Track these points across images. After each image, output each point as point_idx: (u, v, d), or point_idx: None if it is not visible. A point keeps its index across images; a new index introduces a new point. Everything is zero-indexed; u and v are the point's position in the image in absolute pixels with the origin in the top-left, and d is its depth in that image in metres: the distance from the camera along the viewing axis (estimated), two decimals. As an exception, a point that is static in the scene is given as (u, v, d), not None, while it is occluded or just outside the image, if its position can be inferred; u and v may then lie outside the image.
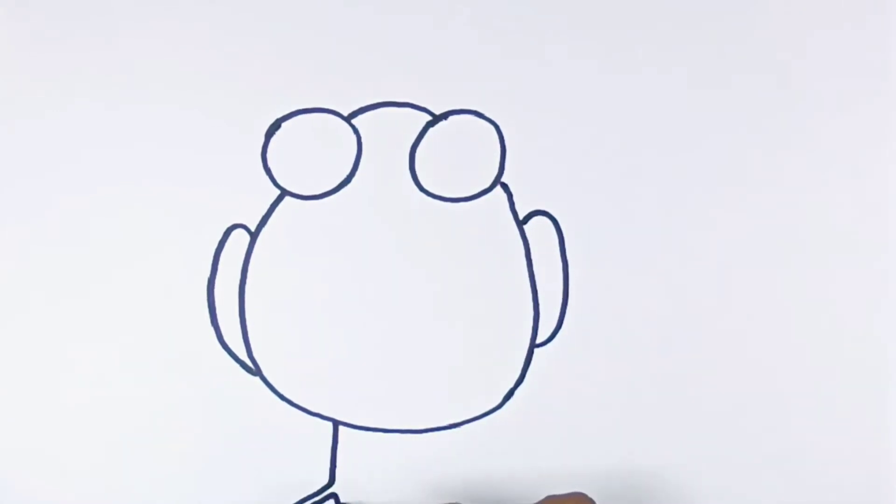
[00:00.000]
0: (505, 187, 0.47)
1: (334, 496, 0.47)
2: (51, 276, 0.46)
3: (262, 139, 0.46)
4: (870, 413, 0.49)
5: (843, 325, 0.49)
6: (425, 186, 0.47)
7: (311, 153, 0.46)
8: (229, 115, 0.46)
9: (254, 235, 0.46)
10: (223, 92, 0.46)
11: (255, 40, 0.46)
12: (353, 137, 0.46)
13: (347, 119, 0.46)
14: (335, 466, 0.47)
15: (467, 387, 0.47)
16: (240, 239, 0.46)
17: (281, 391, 0.47)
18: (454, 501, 0.42)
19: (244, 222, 0.46)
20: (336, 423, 0.47)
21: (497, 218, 0.47)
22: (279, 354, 0.47)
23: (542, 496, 0.43)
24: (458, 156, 0.47)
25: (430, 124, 0.47)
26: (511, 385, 0.48)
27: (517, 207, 0.47)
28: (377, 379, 0.47)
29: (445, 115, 0.47)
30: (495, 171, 0.47)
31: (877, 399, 0.49)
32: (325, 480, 0.47)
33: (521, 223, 0.47)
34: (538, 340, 0.47)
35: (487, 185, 0.47)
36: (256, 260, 0.46)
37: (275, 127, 0.46)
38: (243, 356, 0.46)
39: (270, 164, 0.46)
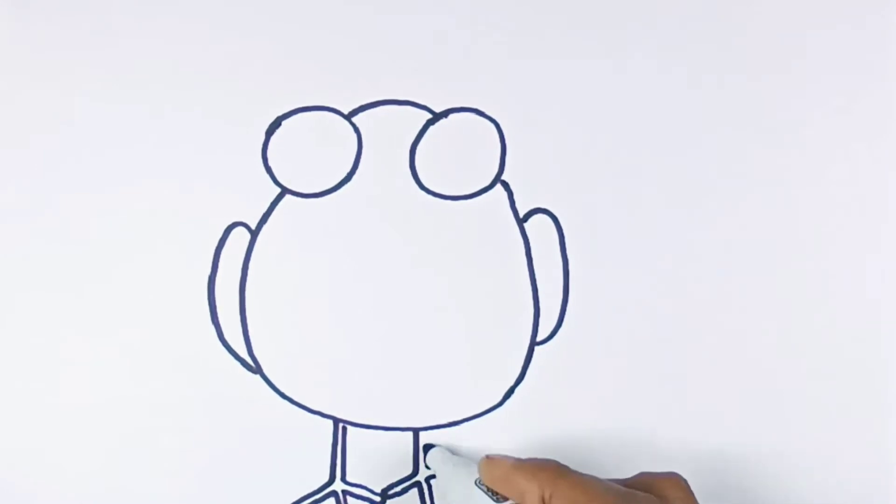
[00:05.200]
0: (505, 185, 0.47)
1: (334, 494, 0.47)
2: (50, 274, 0.46)
3: (263, 137, 0.46)
4: (869, 412, 0.49)
5: (844, 322, 0.49)
6: (425, 184, 0.47)
7: (312, 151, 0.46)
8: (229, 113, 0.46)
9: (254, 233, 0.46)
10: (223, 90, 0.46)
11: (255, 39, 0.46)
12: (354, 135, 0.46)
13: (348, 117, 0.46)
14: (335, 464, 0.47)
15: (467, 385, 0.47)
16: (240, 237, 0.46)
17: (281, 389, 0.47)
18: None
19: (244, 220, 0.46)
20: (336, 421, 0.47)
21: (497, 216, 0.47)
22: (279, 352, 0.47)
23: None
24: (459, 154, 0.47)
25: (430, 122, 0.47)
26: (511, 383, 0.48)
27: (517, 205, 0.47)
28: (377, 377, 0.47)
29: (446, 113, 0.47)
30: (496, 169, 0.47)
31: (876, 398, 0.49)
32: (326, 478, 0.47)
33: (521, 221, 0.47)
34: (538, 338, 0.47)
35: (488, 183, 0.47)
36: (257, 258, 0.46)
37: (275, 125, 0.46)
38: (244, 354, 0.46)
39: (271, 162, 0.46)
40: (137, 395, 0.46)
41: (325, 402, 0.47)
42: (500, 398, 0.48)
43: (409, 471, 0.48)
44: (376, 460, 0.47)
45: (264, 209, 0.46)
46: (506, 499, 0.42)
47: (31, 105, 0.46)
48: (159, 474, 0.46)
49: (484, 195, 0.47)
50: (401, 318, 0.47)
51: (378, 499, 0.48)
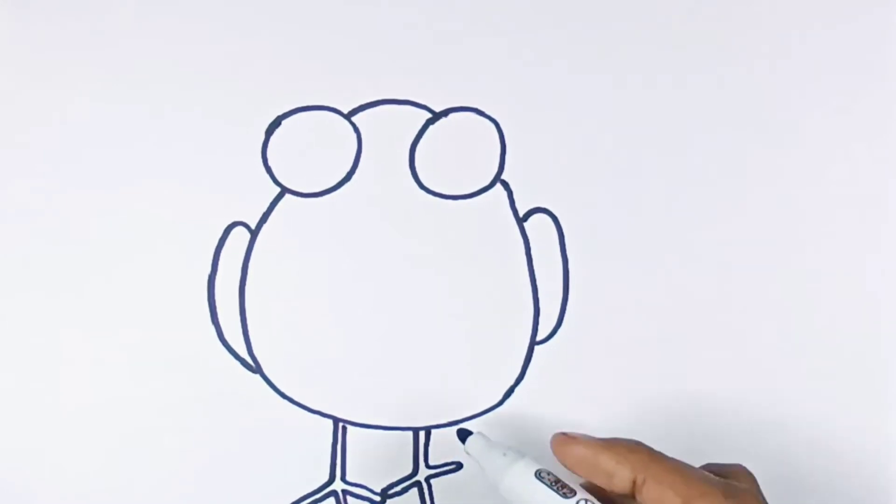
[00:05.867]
0: (505, 185, 0.47)
1: (334, 494, 0.47)
2: (50, 274, 0.45)
3: (263, 137, 0.46)
4: (869, 412, 0.49)
5: (844, 322, 0.49)
6: (425, 184, 0.47)
7: (311, 151, 0.46)
8: (229, 112, 0.46)
9: (254, 233, 0.46)
10: (223, 90, 0.46)
11: (255, 38, 0.46)
12: (353, 135, 0.46)
13: (347, 116, 0.46)
14: (335, 464, 0.47)
15: (467, 384, 0.47)
16: (240, 236, 0.46)
17: (281, 389, 0.47)
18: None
19: (244, 220, 0.46)
20: (336, 421, 0.47)
21: (497, 215, 0.47)
22: (279, 352, 0.47)
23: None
24: (459, 153, 0.47)
25: (430, 122, 0.47)
26: (511, 383, 0.48)
27: (517, 205, 0.47)
28: (377, 376, 0.47)
29: (445, 113, 0.47)
30: (495, 169, 0.47)
31: (877, 398, 0.49)
32: (326, 478, 0.47)
33: (521, 220, 0.47)
34: (538, 338, 0.47)
35: (487, 182, 0.47)
36: (257, 258, 0.46)
37: (275, 124, 0.46)
38: (244, 354, 0.46)
39: (270, 161, 0.46)
40: (137, 395, 0.46)
41: (325, 402, 0.47)
42: (499, 398, 0.48)
43: (409, 470, 0.48)
44: (376, 460, 0.47)
45: (264, 209, 0.46)
46: (573, 493, 0.39)
47: (31, 105, 0.46)
48: (159, 474, 0.46)
49: (484, 195, 0.47)
50: (401, 318, 0.47)
51: (378, 498, 0.48)
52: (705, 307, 0.48)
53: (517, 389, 0.48)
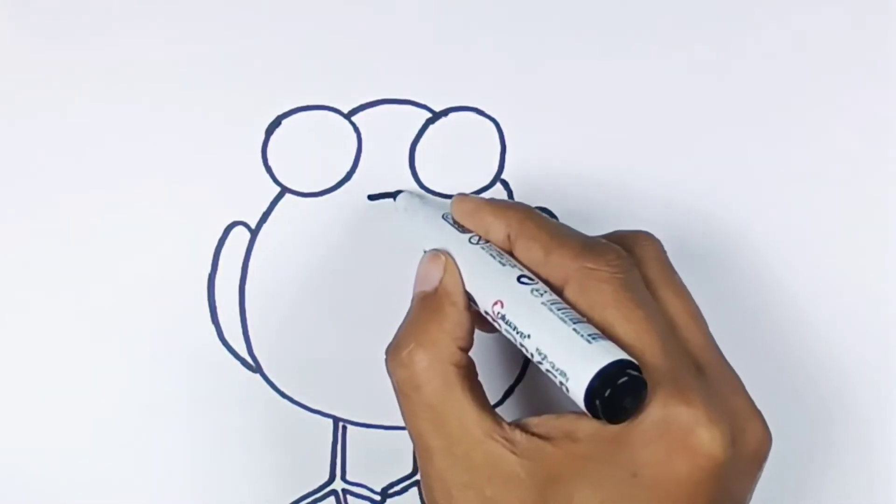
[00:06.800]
0: (505, 184, 0.47)
1: (334, 493, 0.47)
2: (49, 274, 0.45)
3: (263, 136, 0.46)
4: (869, 412, 0.49)
5: (845, 322, 0.49)
6: (425, 183, 0.47)
7: (311, 150, 0.46)
8: (229, 112, 0.46)
9: (254, 233, 0.46)
10: (223, 89, 0.46)
11: (255, 37, 0.46)
12: (353, 135, 0.46)
13: (347, 116, 0.46)
14: (335, 463, 0.47)
15: (467, 384, 0.47)
16: (240, 236, 0.46)
17: (281, 388, 0.47)
18: None
19: (244, 219, 0.46)
20: (336, 420, 0.47)
21: (497, 215, 0.47)
22: (279, 352, 0.47)
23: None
24: (459, 153, 0.47)
25: (430, 121, 0.47)
26: (511, 382, 0.48)
27: (517, 204, 0.47)
28: (378, 376, 0.46)
29: (445, 112, 0.47)
30: (496, 168, 0.47)
31: (877, 398, 0.49)
32: (326, 478, 0.47)
33: (521, 220, 0.47)
34: (538, 338, 0.47)
35: (488, 182, 0.47)
36: (257, 257, 0.46)
37: (275, 124, 0.46)
38: (244, 354, 0.46)
39: (270, 161, 0.46)
40: (136, 395, 0.46)
41: (325, 402, 0.47)
42: (499, 398, 0.48)
43: (409, 469, 0.48)
44: (376, 459, 0.47)
45: (264, 208, 0.46)
46: (469, 231, 0.42)
47: (30, 105, 0.45)
48: (158, 474, 0.46)
49: (484, 194, 0.47)
50: (401, 318, 0.46)
51: (378, 497, 0.48)
52: (705, 307, 0.48)
53: (517, 389, 0.48)
